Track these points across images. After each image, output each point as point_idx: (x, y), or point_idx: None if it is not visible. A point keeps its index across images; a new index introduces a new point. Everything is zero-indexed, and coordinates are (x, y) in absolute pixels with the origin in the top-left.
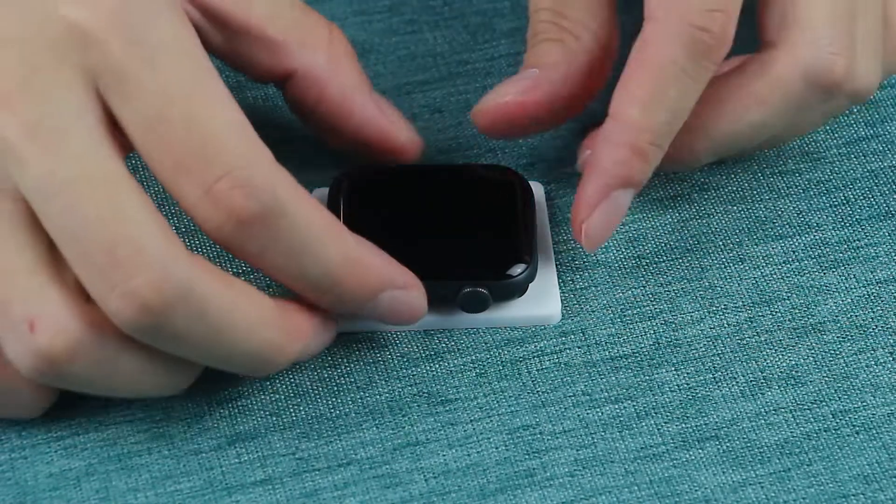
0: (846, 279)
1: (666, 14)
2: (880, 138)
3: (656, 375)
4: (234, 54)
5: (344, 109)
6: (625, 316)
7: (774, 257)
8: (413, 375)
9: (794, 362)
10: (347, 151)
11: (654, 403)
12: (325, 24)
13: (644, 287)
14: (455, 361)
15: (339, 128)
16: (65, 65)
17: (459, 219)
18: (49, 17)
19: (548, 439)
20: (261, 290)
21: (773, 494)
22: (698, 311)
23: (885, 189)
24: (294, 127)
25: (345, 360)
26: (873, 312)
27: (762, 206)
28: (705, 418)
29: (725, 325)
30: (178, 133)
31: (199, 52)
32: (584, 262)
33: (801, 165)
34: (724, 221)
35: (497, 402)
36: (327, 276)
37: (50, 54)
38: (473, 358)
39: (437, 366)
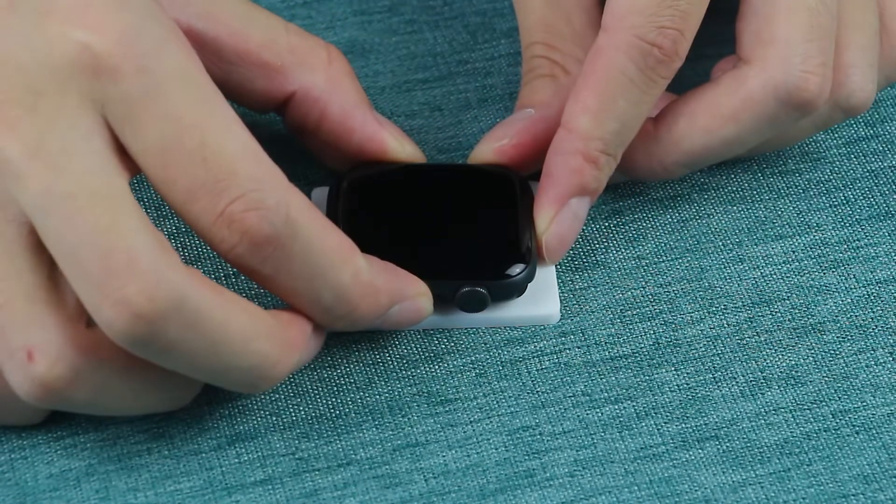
0: (846, 279)
1: (618, 26)
2: (880, 138)
3: (656, 375)
4: (230, 84)
5: (345, 128)
6: (624, 316)
7: (774, 257)
8: (413, 376)
9: (794, 362)
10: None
11: (654, 403)
12: (323, 46)
13: (644, 287)
14: (455, 362)
15: (341, 146)
16: (71, 90)
17: (459, 218)
18: (56, 41)
19: (548, 440)
20: (255, 303)
21: (773, 494)
22: (698, 311)
23: (885, 189)
24: None
25: (345, 360)
26: (873, 312)
27: (762, 206)
28: (705, 418)
29: (725, 325)
30: (191, 160)
31: (206, 78)
32: (583, 263)
33: (801, 165)
34: (724, 221)
35: (497, 402)
36: (340, 300)
37: (57, 79)
38: (473, 358)
39: (437, 366)
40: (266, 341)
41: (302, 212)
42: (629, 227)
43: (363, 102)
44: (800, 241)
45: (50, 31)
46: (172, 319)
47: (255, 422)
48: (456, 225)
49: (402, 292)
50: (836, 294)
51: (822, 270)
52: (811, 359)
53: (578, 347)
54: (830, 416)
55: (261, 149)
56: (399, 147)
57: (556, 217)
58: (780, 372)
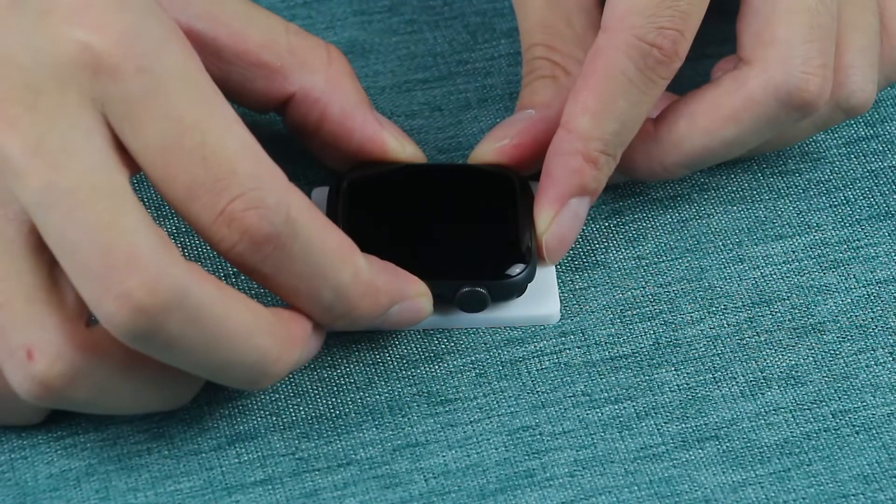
0: (846, 279)
1: (618, 26)
2: (880, 138)
3: (656, 375)
4: (230, 85)
5: (346, 128)
6: (624, 316)
7: (774, 257)
8: (413, 376)
9: (794, 362)
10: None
11: (654, 403)
12: (323, 46)
13: (644, 287)
14: (455, 362)
15: (341, 147)
16: (71, 89)
17: (459, 218)
18: (56, 40)
19: (548, 440)
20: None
21: (773, 494)
22: (698, 311)
23: (885, 189)
24: None
25: (345, 360)
26: (873, 312)
27: (762, 206)
28: (705, 418)
29: (725, 325)
30: (191, 159)
31: (206, 77)
32: (583, 263)
33: (801, 165)
34: (724, 221)
35: (497, 402)
36: (340, 299)
37: (57, 78)
38: (473, 358)
39: (437, 366)
40: (267, 337)
41: (302, 211)
42: (629, 227)
43: (363, 103)
44: (800, 241)
45: (51, 30)
46: (174, 313)
47: (255, 422)
48: (456, 225)
49: (402, 292)
50: (836, 294)
51: (822, 270)
52: (811, 359)
53: (578, 347)
54: (830, 416)
55: (261, 148)
56: (399, 147)
57: (557, 217)
58: (780, 372)
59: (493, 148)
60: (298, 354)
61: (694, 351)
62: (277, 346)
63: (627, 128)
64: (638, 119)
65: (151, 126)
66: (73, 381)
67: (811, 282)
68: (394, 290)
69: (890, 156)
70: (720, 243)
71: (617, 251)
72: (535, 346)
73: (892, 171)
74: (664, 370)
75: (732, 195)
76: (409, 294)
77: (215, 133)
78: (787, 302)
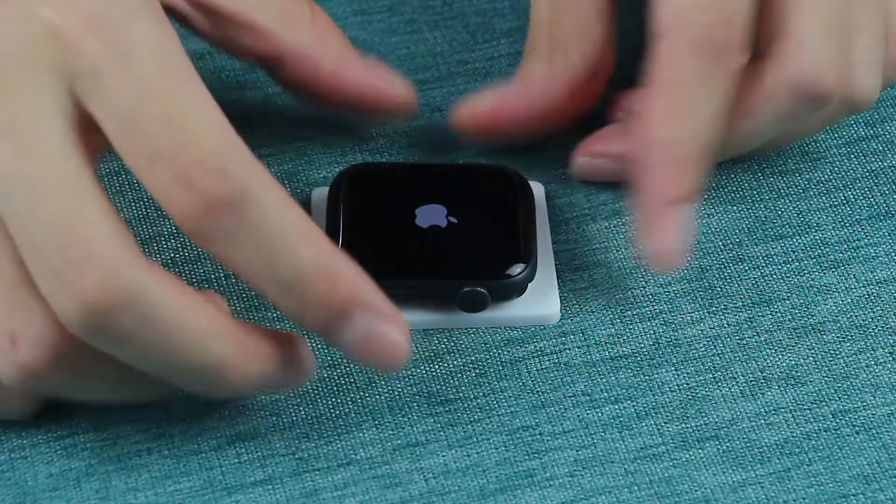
0: (846, 279)
1: (676, 30)
2: (880, 138)
3: (656, 375)
4: (223, 39)
5: (338, 80)
6: (624, 316)
7: (774, 257)
8: (413, 376)
9: (794, 362)
10: (346, 116)
11: (654, 403)
12: (307, 4)
13: (644, 287)
14: (455, 362)
15: (335, 98)
16: (39, 66)
17: (459, 218)
18: (24, 17)
19: (548, 440)
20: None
21: (773, 494)
22: (698, 311)
23: (885, 189)
24: (294, 127)
25: (345, 361)
26: (873, 312)
27: (762, 206)
28: (705, 418)
29: (725, 325)
30: (154, 126)
31: (178, 50)
32: (583, 262)
33: (801, 165)
34: (724, 221)
35: (497, 402)
36: (295, 276)
37: (24, 56)
38: (473, 358)
39: (437, 366)
40: (224, 343)
41: (263, 181)
42: (629, 227)
43: (350, 53)
44: (800, 241)
45: (20, 11)
46: (125, 312)
47: (255, 422)
48: (456, 224)
49: (369, 300)
50: (836, 294)
51: (822, 270)
52: (811, 359)
53: (578, 347)
54: (830, 416)
55: (227, 122)
56: (392, 88)
57: (660, 229)
58: (780, 372)
59: (468, 112)
60: (260, 368)
61: (694, 351)
62: (234, 355)
63: (710, 121)
64: (717, 110)
65: (116, 93)
66: (56, 368)
67: (811, 282)
68: (357, 287)
69: (890, 156)
70: (720, 243)
71: (617, 251)
72: (535, 346)
73: (892, 171)
74: (664, 370)
75: (732, 195)
76: (376, 306)
77: (181, 103)
78: (787, 302)
